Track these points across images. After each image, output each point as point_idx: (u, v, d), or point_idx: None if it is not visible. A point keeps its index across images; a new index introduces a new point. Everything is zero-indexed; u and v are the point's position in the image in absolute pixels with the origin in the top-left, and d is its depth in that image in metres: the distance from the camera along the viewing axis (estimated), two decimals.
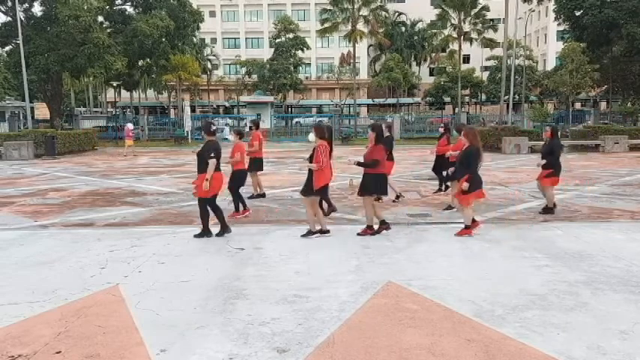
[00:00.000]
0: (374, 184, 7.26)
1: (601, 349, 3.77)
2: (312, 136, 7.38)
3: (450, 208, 9.19)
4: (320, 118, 44.36)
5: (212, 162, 7.09)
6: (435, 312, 4.53)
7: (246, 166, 9.71)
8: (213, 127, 7.59)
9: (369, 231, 7.37)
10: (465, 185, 7.17)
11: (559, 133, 9.46)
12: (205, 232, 7.33)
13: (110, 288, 5.25)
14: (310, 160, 7.24)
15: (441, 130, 11.88)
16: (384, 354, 3.74)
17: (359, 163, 7.37)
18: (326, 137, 7.31)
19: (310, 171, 7.17)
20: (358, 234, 7.35)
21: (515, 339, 3.96)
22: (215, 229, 7.41)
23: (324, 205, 8.63)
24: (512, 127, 26.67)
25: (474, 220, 7.47)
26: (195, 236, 7.30)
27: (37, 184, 13.86)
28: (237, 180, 9.01)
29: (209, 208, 7.34)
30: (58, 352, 3.84)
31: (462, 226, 7.43)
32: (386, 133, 10.08)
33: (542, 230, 7.66)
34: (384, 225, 7.44)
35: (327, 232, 7.34)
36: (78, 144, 26.37)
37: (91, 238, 7.41)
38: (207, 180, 7.08)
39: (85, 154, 25.36)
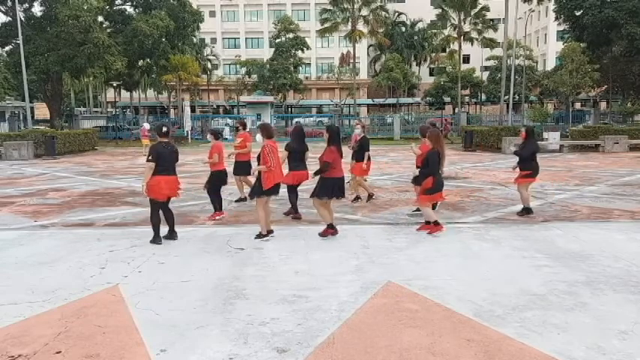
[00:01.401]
0: (325, 189, 7.09)
1: (601, 349, 3.77)
2: (258, 137, 7.22)
3: (418, 210, 8.75)
4: (320, 118, 44.39)
5: (148, 165, 6.90)
6: (435, 312, 4.53)
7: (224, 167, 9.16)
8: (165, 129, 7.24)
9: (330, 230, 7.24)
10: (428, 186, 7.27)
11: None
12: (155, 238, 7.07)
13: (110, 288, 5.25)
14: (258, 162, 7.11)
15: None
16: (383, 354, 3.75)
17: (315, 173, 7.16)
18: (272, 136, 7.19)
19: (259, 172, 7.05)
20: (320, 234, 7.22)
21: (515, 339, 3.96)
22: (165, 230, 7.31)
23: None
24: (511, 127, 26.67)
25: (438, 223, 7.42)
26: (151, 241, 7.05)
27: (37, 184, 13.86)
28: (214, 181, 8.83)
29: (161, 211, 7.15)
30: (58, 352, 3.84)
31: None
32: (361, 134, 10.09)
33: (542, 230, 7.66)
34: (332, 229, 7.27)
35: (271, 232, 7.25)
36: (78, 144, 26.38)
37: (91, 238, 7.41)
38: (142, 185, 7.00)
39: (85, 154, 25.37)
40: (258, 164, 7.10)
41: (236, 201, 10.26)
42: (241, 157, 10.02)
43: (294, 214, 8.78)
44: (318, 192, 7.15)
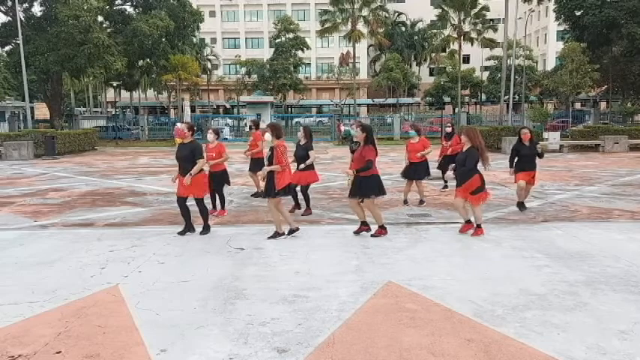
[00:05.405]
0: (370, 187, 7.10)
1: (601, 349, 3.77)
2: (268, 136, 7.22)
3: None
4: (320, 118, 44.40)
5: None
6: (435, 312, 4.52)
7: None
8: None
9: (364, 227, 7.33)
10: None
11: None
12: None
13: (110, 288, 5.25)
14: (270, 161, 7.10)
15: (448, 129, 12.02)
16: (384, 354, 3.74)
17: (357, 172, 7.09)
18: (281, 137, 7.21)
19: (271, 172, 7.06)
20: (373, 234, 7.26)
21: (515, 339, 3.96)
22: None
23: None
24: (512, 127, 26.66)
25: (470, 222, 7.48)
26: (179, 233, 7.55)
27: (37, 184, 13.86)
28: (215, 181, 8.96)
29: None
30: (58, 352, 3.84)
31: (461, 226, 7.47)
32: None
33: (542, 230, 7.66)
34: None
35: (297, 229, 7.31)
36: (78, 144, 26.38)
37: (91, 238, 7.41)
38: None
39: (85, 154, 25.37)
40: (270, 165, 7.11)
41: (252, 195, 10.79)
42: (255, 155, 10.47)
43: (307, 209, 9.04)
44: (360, 191, 7.12)
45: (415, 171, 9.91)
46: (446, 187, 11.50)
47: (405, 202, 9.94)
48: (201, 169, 7.46)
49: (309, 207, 9.01)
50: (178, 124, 7.79)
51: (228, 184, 9.31)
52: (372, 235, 7.24)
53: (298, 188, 8.86)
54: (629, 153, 22.40)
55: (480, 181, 7.22)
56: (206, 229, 7.60)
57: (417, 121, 40.27)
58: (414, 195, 10.38)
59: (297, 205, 9.06)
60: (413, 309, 4.59)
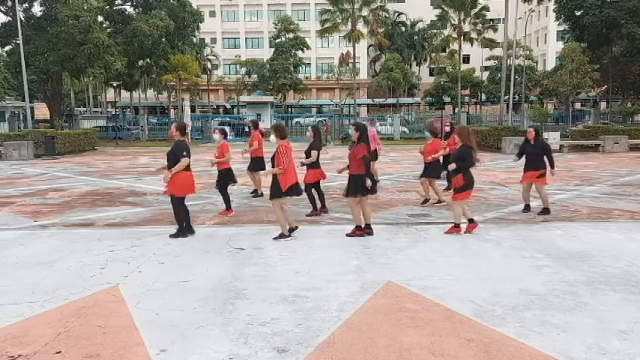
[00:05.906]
0: (361, 186, 7.14)
1: (601, 349, 3.77)
2: (272, 138, 7.22)
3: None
4: (320, 118, 44.41)
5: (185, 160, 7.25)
6: (435, 312, 4.53)
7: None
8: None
9: (357, 232, 7.30)
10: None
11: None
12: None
13: (110, 288, 5.25)
14: (273, 161, 7.12)
15: (447, 128, 12.02)
16: (384, 354, 3.74)
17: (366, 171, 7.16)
18: (285, 137, 7.24)
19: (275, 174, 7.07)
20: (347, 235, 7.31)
21: (515, 339, 3.96)
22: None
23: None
24: (511, 127, 26.67)
25: (473, 221, 7.52)
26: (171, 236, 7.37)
27: (37, 184, 13.86)
28: (223, 179, 9.11)
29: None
30: (58, 352, 3.84)
31: (463, 225, 7.48)
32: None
33: (542, 230, 7.66)
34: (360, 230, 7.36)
35: (296, 228, 7.32)
36: (78, 144, 26.38)
37: (91, 238, 7.41)
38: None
39: (85, 154, 25.37)
40: (273, 166, 7.10)
41: (251, 193, 11.07)
42: (253, 154, 10.73)
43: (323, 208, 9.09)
44: (354, 190, 7.16)
45: (425, 170, 9.94)
46: (449, 187, 11.47)
47: (438, 201, 9.91)
48: (188, 169, 7.33)
49: (315, 206, 8.99)
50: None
51: (232, 183, 9.32)
52: (347, 235, 7.27)
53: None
54: (629, 153, 22.40)
55: (463, 180, 7.28)
56: (179, 231, 7.37)
57: (418, 121, 40.32)
58: (414, 195, 10.39)
59: (315, 208, 8.95)
60: (413, 309, 4.59)
